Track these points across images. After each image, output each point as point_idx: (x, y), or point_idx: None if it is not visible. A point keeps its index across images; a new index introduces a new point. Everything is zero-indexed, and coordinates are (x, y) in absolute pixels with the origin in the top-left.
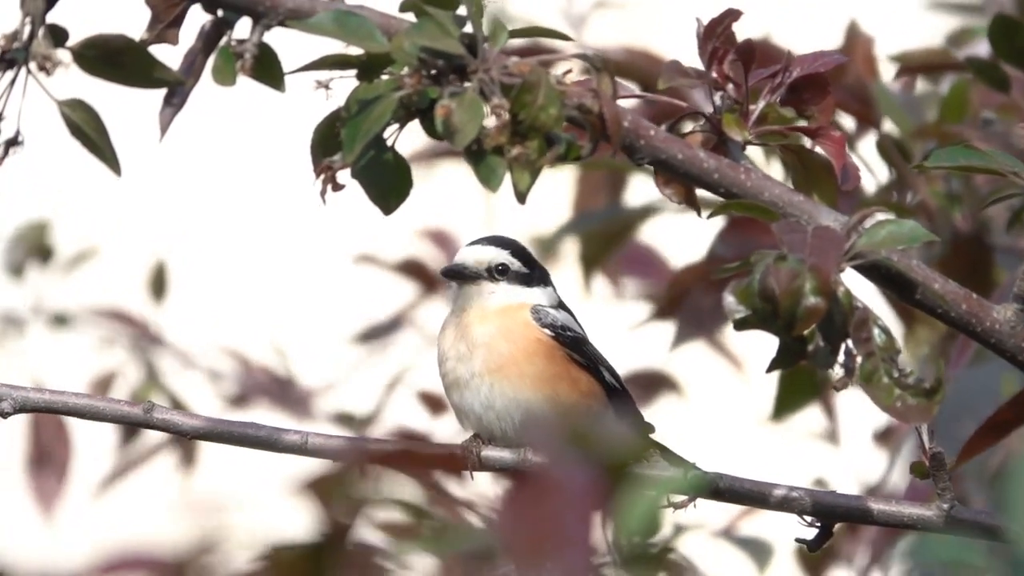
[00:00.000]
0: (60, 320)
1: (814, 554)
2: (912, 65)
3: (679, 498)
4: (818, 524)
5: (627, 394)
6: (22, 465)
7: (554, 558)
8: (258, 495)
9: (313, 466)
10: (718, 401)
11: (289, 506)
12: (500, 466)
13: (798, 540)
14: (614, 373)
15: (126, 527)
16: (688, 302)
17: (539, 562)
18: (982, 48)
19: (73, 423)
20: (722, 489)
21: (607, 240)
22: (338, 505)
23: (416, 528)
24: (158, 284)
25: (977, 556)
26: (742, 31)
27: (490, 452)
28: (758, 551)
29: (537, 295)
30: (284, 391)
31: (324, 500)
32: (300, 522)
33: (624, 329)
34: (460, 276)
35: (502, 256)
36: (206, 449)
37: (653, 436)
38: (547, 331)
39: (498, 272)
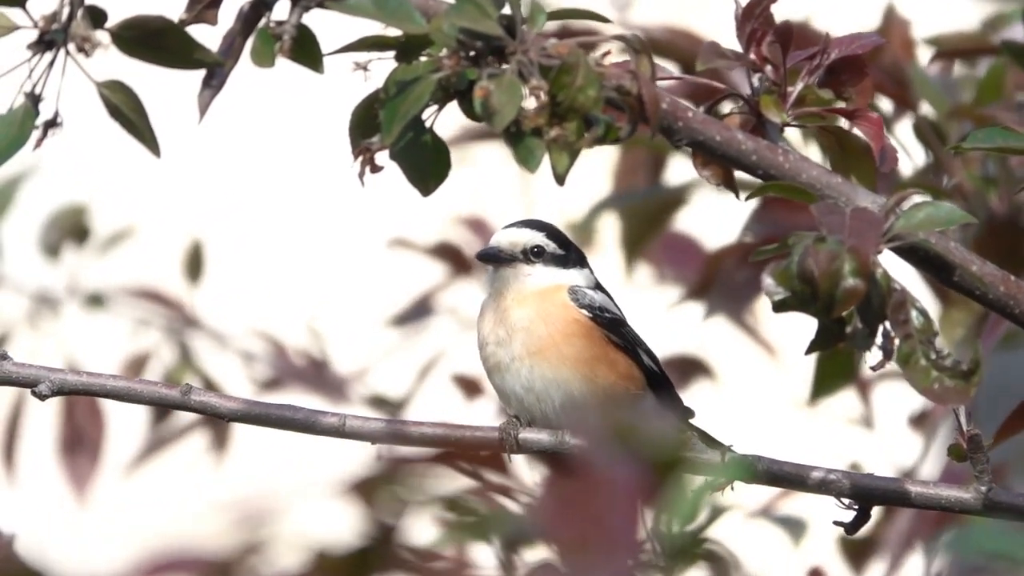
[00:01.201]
0: (95, 301)
1: (856, 540)
2: (948, 49)
3: (718, 481)
4: (856, 507)
5: (665, 377)
6: (55, 447)
7: (597, 550)
8: (303, 496)
9: (357, 468)
10: (752, 386)
11: (335, 507)
12: (538, 448)
13: (836, 523)
14: (652, 356)
15: (161, 514)
16: (721, 280)
17: (582, 554)
18: (1018, 32)
19: (106, 405)
20: (760, 471)
21: (648, 221)
22: (383, 506)
23: (459, 521)
24: (194, 265)
25: (1020, 547)
26: (780, 13)
27: (528, 434)
28: (792, 528)
29: (574, 276)
30: (319, 374)
31: (369, 501)
32: (345, 524)
33: (660, 314)
34: (495, 259)
35: (537, 238)
36: (241, 439)
37: (691, 420)
38: (585, 312)
39: (534, 254)
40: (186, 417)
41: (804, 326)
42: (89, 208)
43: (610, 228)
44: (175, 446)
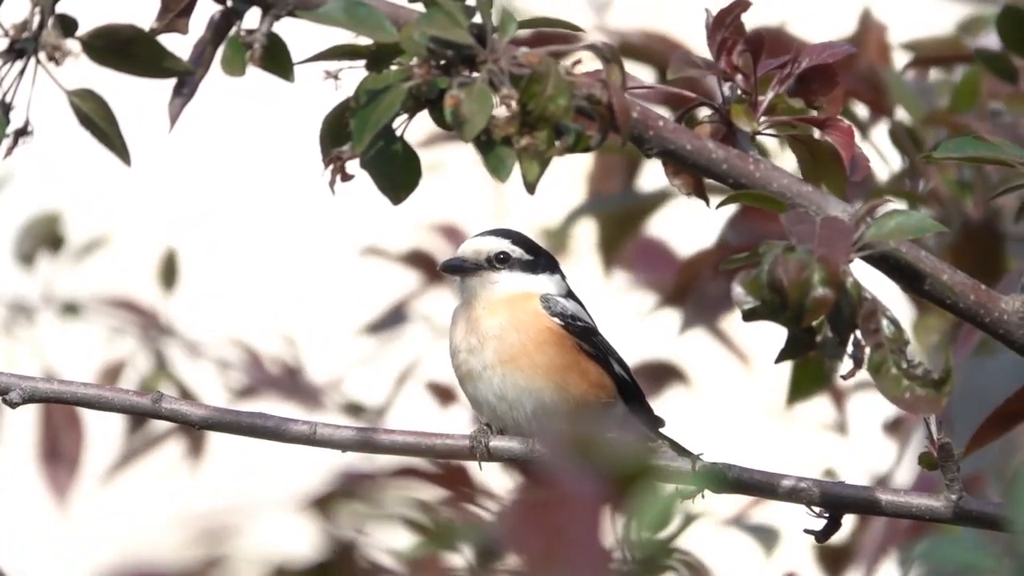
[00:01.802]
0: (70, 309)
1: (832, 548)
2: (924, 55)
3: (688, 489)
4: (826, 515)
5: (636, 386)
6: (34, 456)
7: (565, 560)
8: (265, 510)
9: (319, 481)
10: (726, 392)
11: (295, 522)
12: (509, 456)
13: (807, 531)
14: (624, 364)
15: (135, 524)
16: (696, 289)
17: (550, 564)
18: (992, 39)
19: (85, 414)
20: (730, 480)
21: (623, 224)
22: (343, 521)
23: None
24: (168, 273)
25: (989, 559)
26: (757, 18)
27: (498, 442)
28: (765, 537)
29: (544, 282)
30: (293, 382)
31: (328, 516)
32: (306, 538)
33: (633, 320)
34: (460, 269)
35: (502, 244)
36: (216, 448)
37: (662, 430)
38: (557, 320)
39: (499, 261)
40: (161, 426)
41: (779, 333)
42: (63, 216)
43: (585, 234)
44: (150, 455)
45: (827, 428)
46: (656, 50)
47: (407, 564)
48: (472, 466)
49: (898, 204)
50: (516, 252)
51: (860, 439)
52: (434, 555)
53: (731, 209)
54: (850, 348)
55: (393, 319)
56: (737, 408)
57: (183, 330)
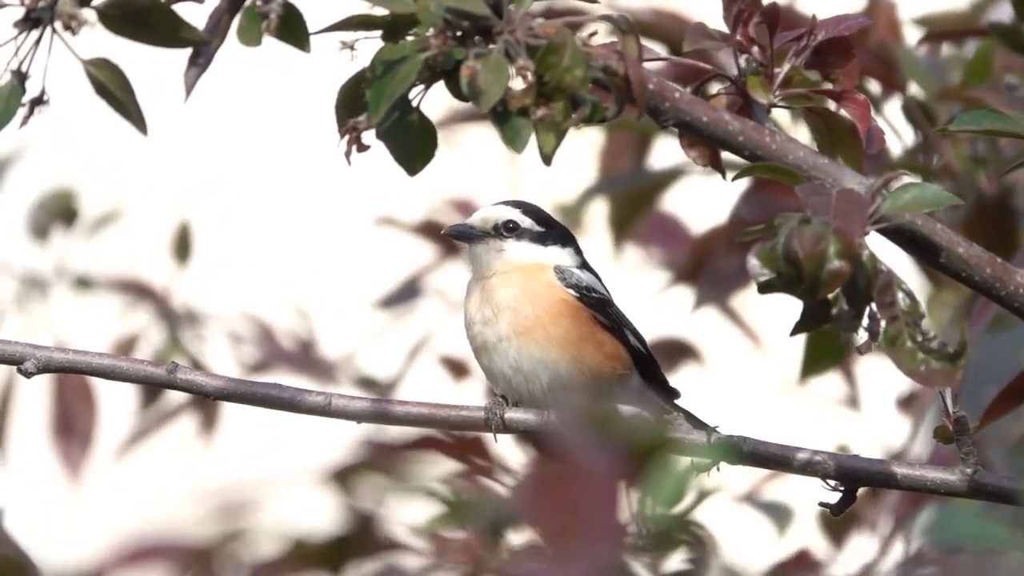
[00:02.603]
0: (83, 283)
1: (837, 519)
2: (936, 30)
3: (703, 462)
4: (841, 488)
5: (652, 358)
6: (47, 429)
7: (580, 533)
8: (283, 483)
9: (338, 453)
10: (739, 368)
11: (315, 495)
12: (524, 428)
13: (821, 504)
14: (639, 336)
15: (149, 498)
16: (710, 265)
17: (565, 537)
18: (1005, 12)
19: (98, 388)
20: (746, 453)
21: (635, 203)
22: (362, 494)
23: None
24: (182, 247)
25: (999, 531)
26: None
27: (513, 414)
28: (778, 515)
29: (555, 254)
30: (306, 356)
31: (348, 489)
32: (325, 511)
33: (645, 297)
34: (465, 236)
35: (511, 213)
36: (229, 421)
37: (677, 401)
38: (572, 291)
39: (507, 229)
40: (174, 400)
41: (793, 307)
42: (77, 191)
43: (597, 210)
44: (163, 429)
45: (840, 404)
46: (666, 27)
47: (425, 537)
48: (488, 438)
49: (913, 178)
50: (526, 222)
51: (873, 415)
52: (451, 528)
53: (744, 184)
54: (865, 321)
55: (407, 293)
56: (750, 385)
57: (196, 304)
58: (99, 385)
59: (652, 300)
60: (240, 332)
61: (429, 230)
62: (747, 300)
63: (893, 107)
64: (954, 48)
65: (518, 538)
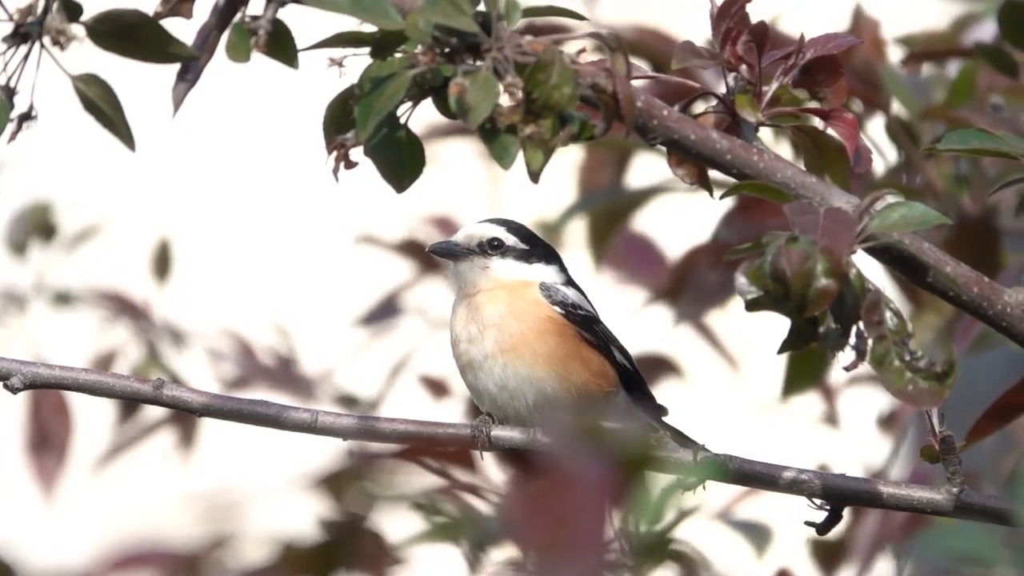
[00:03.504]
0: (62, 298)
1: (825, 542)
2: (919, 50)
3: (689, 480)
4: (827, 507)
5: (639, 375)
6: (22, 445)
7: (565, 549)
8: (270, 490)
9: (326, 461)
10: (719, 385)
11: (302, 502)
12: (510, 446)
13: (807, 523)
14: (625, 353)
15: (129, 510)
16: (691, 283)
17: (550, 553)
18: (987, 32)
19: (74, 402)
20: (732, 471)
21: (615, 217)
22: (350, 500)
23: (428, 520)
24: (162, 263)
25: (988, 549)
26: (752, 15)
27: (500, 432)
28: (757, 535)
29: (540, 271)
30: (286, 373)
31: (336, 495)
32: (312, 517)
33: (627, 313)
34: (450, 253)
35: (495, 231)
36: (209, 436)
37: (664, 418)
38: (558, 309)
39: (491, 247)
40: (153, 414)
41: (776, 325)
42: (55, 206)
43: (577, 228)
44: (143, 443)
45: (820, 422)
46: (650, 45)
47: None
48: (474, 452)
49: (899, 197)
50: (511, 240)
51: (853, 433)
52: (437, 542)
53: (726, 205)
54: (853, 340)
55: (386, 310)
56: (730, 402)
57: (176, 320)
58: (75, 400)
59: (632, 316)
60: (220, 348)
61: (409, 248)
62: (729, 318)
63: (876, 126)
64: (937, 68)
65: (503, 553)
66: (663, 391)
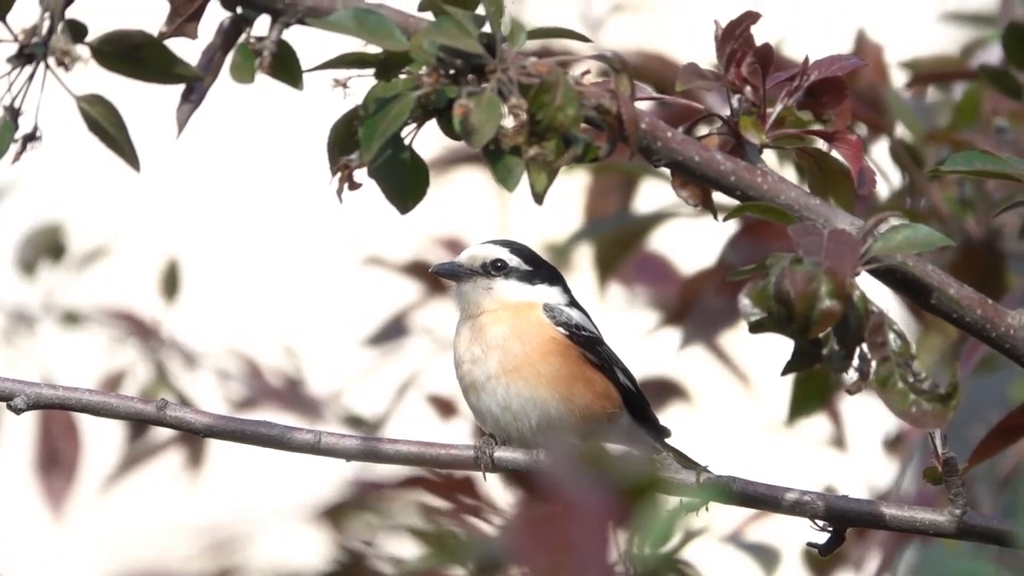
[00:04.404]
0: (71, 318)
1: (823, 559)
2: (924, 73)
3: (692, 502)
4: (830, 528)
5: (642, 396)
6: (31, 464)
7: (569, 573)
8: (274, 520)
9: (328, 491)
10: (726, 408)
11: (303, 533)
12: (513, 467)
13: (810, 544)
14: (629, 375)
15: (134, 533)
16: (698, 306)
17: None
18: (993, 55)
19: (83, 423)
20: (735, 492)
21: (621, 244)
22: (353, 531)
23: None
24: (170, 284)
25: (988, 570)
26: (756, 38)
27: (502, 453)
28: (765, 557)
29: (544, 292)
30: (294, 393)
31: (338, 526)
32: (316, 547)
33: (635, 336)
34: (453, 274)
35: (499, 252)
36: (216, 458)
37: (668, 440)
38: (561, 330)
39: (495, 268)
40: (161, 436)
41: (781, 348)
42: (65, 226)
43: (583, 251)
44: (150, 464)
45: (827, 444)
46: (653, 69)
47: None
48: (477, 477)
49: (903, 219)
50: (514, 261)
51: (860, 455)
52: (440, 568)
53: (732, 228)
54: (856, 361)
55: (394, 331)
56: (737, 424)
57: (184, 341)
58: (85, 420)
59: (640, 339)
60: (228, 369)
61: (416, 269)
62: (736, 340)
63: (880, 149)
64: (941, 92)
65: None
66: (670, 414)
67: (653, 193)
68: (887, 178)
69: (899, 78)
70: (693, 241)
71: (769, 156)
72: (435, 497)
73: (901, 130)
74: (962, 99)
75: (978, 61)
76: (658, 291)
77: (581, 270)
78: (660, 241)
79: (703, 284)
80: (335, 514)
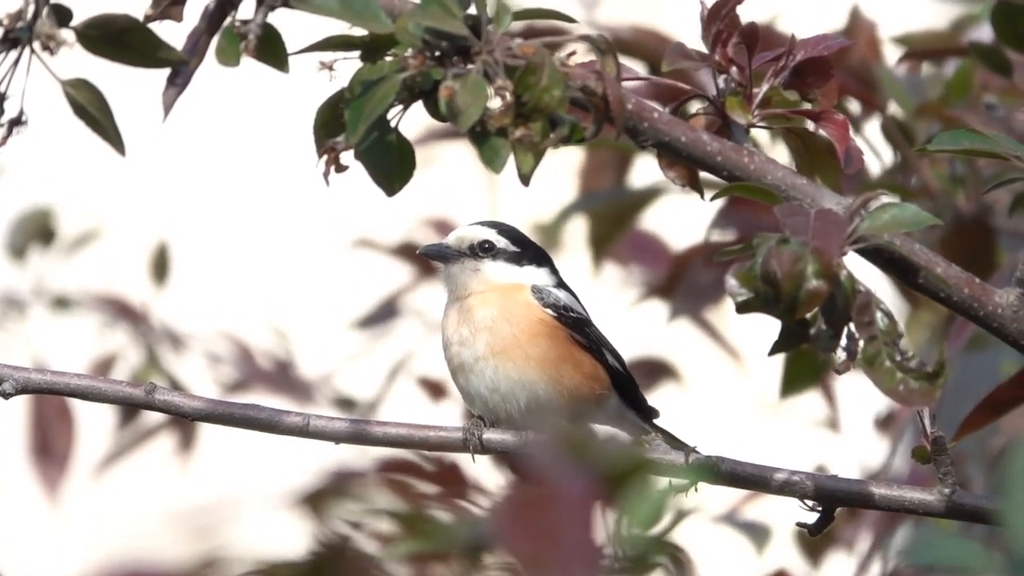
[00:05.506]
0: (61, 303)
1: (814, 538)
2: (916, 49)
3: (681, 482)
4: (819, 508)
5: (630, 377)
6: (25, 451)
7: (555, 557)
8: (258, 507)
9: (312, 478)
10: (718, 388)
11: (288, 519)
12: (502, 449)
13: (799, 524)
14: (617, 356)
15: (126, 516)
16: (687, 281)
17: (541, 561)
18: (984, 32)
19: (76, 408)
20: (723, 473)
21: (616, 220)
22: (335, 518)
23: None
24: (159, 267)
25: (975, 556)
26: (746, 15)
27: (491, 435)
28: (756, 534)
29: (531, 274)
30: (284, 376)
31: (321, 513)
32: (298, 535)
33: (624, 316)
34: (441, 256)
35: (486, 234)
36: (207, 441)
37: (656, 421)
38: (549, 311)
39: (482, 250)
40: (152, 420)
41: (770, 327)
42: (55, 210)
43: (577, 228)
44: (141, 449)
45: (818, 424)
46: (646, 45)
47: (399, 561)
48: (464, 461)
49: (892, 197)
50: (501, 242)
51: (851, 434)
52: (426, 552)
53: (722, 201)
54: (844, 341)
55: (384, 313)
56: (729, 404)
57: (174, 324)
58: (77, 404)
59: (631, 318)
60: (218, 352)
61: (406, 251)
62: (726, 318)
63: (872, 126)
64: (934, 67)
65: (494, 560)
66: (661, 394)
67: (648, 169)
68: (879, 155)
69: (892, 54)
70: (685, 218)
71: (762, 137)
72: (418, 481)
73: (894, 107)
74: (953, 75)
75: (969, 38)
76: (652, 270)
77: (574, 250)
78: (654, 220)
79: (692, 259)
80: (315, 501)
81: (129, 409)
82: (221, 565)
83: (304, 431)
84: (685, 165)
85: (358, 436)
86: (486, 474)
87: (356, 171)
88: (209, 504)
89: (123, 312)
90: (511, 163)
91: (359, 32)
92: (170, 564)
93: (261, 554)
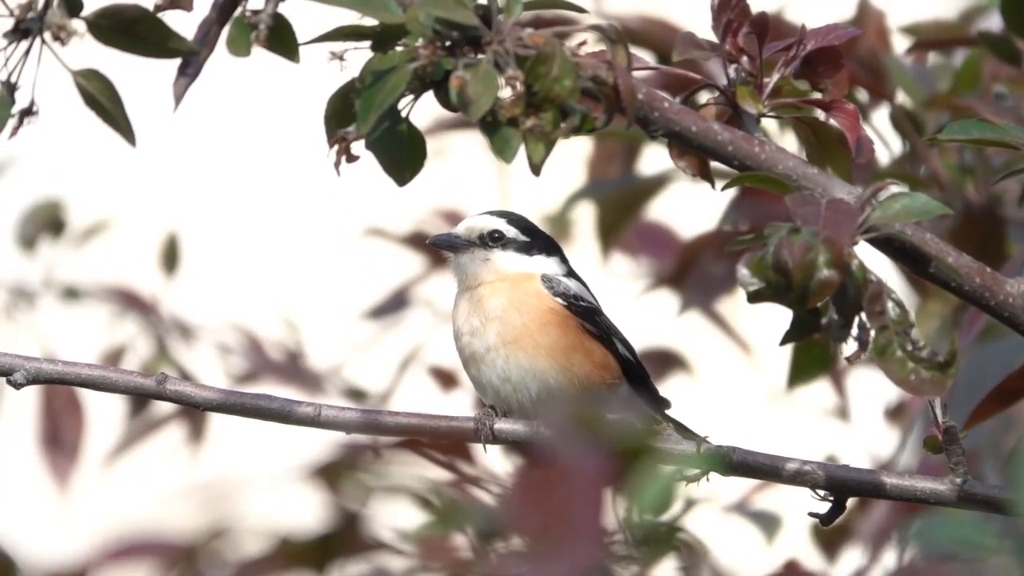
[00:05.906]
0: (71, 293)
1: (828, 530)
2: (926, 38)
3: (692, 472)
4: (831, 498)
5: (641, 366)
6: (35, 441)
7: (565, 540)
8: (268, 481)
9: (323, 452)
10: (727, 378)
11: (300, 492)
12: (514, 438)
13: (811, 514)
14: (628, 345)
15: (136, 504)
16: (697, 271)
17: (550, 543)
18: (993, 22)
19: (86, 398)
20: (735, 463)
21: (624, 208)
22: (348, 492)
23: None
24: (170, 258)
25: (988, 537)
26: (756, 4)
27: (503, 424)
28: (766, 523)
29: (541, 263)
30: (294, 367)
31: (334, 487)
32: (311, 508)
33: (633, 306)
34: (451, 246)
35: (496, 223)
36: (217, 431)
37: (667, 411)
38: (560, 300)
39: (492, 239)
40: (162, 410)
41: (781, 317)
42: (65, 202)
43: (585, 218)
44: (152, 438)
45: (829, 414)
46: (655, 35)
47: (412, 543)
48: (476, 446)
49: (902, 187)
50: (511, 232)
51: (862, 425)
52: (438, 534)
53: (730, 193)
54: (855, 330)
55: (395, 304)
56: (739, 394)
57: (184, 315)
58: (87, 395)
59: (639, 309)
60: (228, 343)
61: (417, 241)
62: (735, 309)
63: (881, 116)
64: (942, 57)
65: (504, 544)
66: (671, 385)
67: (656, 158)
68: (888, 145)
69: (901, 44)
70: (694, 208)
71: (772, 126)
72: (432, 460)
73: (902, 96)
74: (962, 65)
75: (978, 27)
76: (661, 260)
77: (583, 241)
78: (662, 210)
79: (702, 248)
80: (329, 474)
81: (139, 400)
82: (230, 538)
83: (316, 421)
84: (696, 155)
85: (370, 426)
86: (497, 462)
87: (367, 161)
88: (220, 477)
89: (133, 303)
90: (521, 153)
91: (370, 22)
92: (178, 536)
93: (272, 528)
